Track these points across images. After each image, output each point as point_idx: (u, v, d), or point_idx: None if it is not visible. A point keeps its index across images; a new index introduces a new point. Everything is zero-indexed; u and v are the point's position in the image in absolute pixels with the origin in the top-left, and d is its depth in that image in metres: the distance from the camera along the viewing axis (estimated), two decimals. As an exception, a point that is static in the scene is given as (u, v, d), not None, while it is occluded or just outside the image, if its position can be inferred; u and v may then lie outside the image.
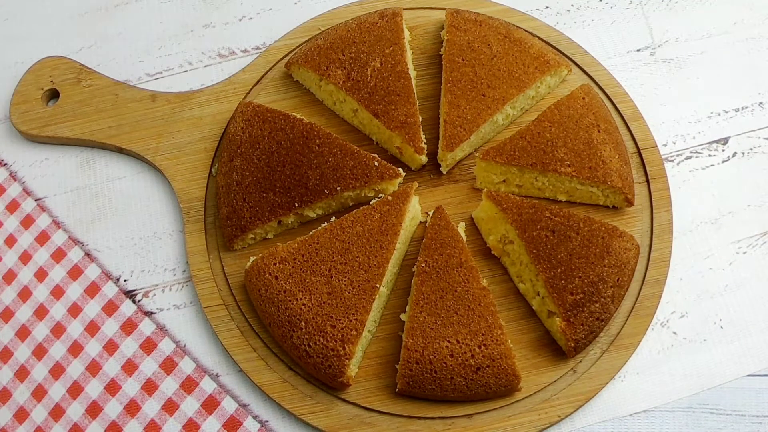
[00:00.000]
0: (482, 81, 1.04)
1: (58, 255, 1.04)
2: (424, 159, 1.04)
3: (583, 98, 1.04)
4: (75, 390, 0.98)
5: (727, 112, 1.12)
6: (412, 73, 1.09)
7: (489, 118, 1.03)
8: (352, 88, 1.04)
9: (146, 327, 1.01)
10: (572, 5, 1.18)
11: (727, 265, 1.03)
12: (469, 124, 1.02)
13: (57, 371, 0.99)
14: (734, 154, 1.09)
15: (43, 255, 1.04)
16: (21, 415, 0.98)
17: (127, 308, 1.02)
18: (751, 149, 1.09)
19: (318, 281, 0.95)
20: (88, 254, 1.05)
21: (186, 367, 0.99)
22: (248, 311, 1.00)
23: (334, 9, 1.15)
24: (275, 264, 0.96)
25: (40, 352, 1.00)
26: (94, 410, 0.98)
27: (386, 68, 1.04)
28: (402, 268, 1.02)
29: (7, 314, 1.02)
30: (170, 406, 0.97)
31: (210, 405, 0.97)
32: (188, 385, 0.98)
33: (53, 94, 1.13)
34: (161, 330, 1.01)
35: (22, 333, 1.01)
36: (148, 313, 1.02)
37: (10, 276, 1.04)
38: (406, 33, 1.09)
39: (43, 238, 1.05)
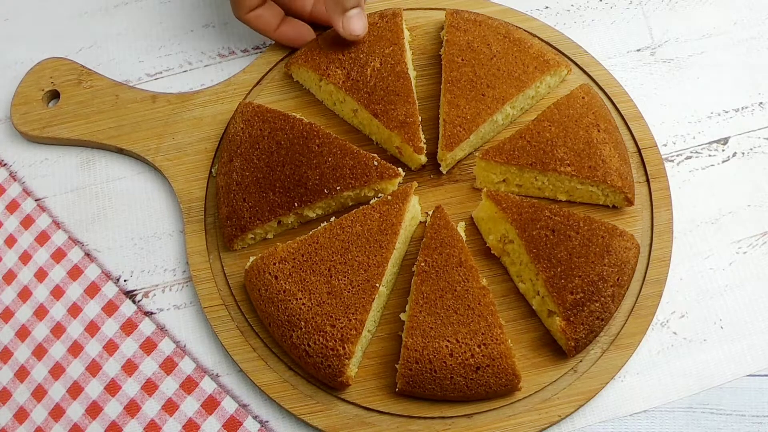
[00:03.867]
0: (482, 81, 1.04)
1: (58, 255, 1.04)
2: (423, 159, 1.04)
3: (583, 98, 1.04)
4: (75, 390, 0.99)
5: (727, 112, 1.12)
6: (412, 73, 1.09)
7: (489, 118, 1.03)
8: (351, 87, 1.04)
9: (146, 327, 1.01)
10: (572, 5, 1.18)
11: (727, 265, 1.03)
12: (469, 124, 1.02)
13: (57, 371, 0.99)
14: (734, 154, 1.09)
15: (43, 255, 1.04)
16: (21, 415, 0.98)
17: (127, 308, 1.02)
18: (751, 149, 1.09)
19: (318, 281, 0.95)
20: (88, 254, 1.05)
21: (186, 367, 0.99)
22: (248, 311, 1.00)
23: (334, 9, 1.15)
24: (275, 264, 0.96)
25: (40, 352, 1.00)
26: (94, 410, 0.98)
27: (386, 68, 1.04)
28: (402, 267, 1.02)
29: (7, 314, 1.02)
30: (170, 407, 0.97)
31: (210, 405, 0.97)
32: (188, 386, 0.98)
33: (54, 95, 1.13)
34: (161, 330, 1.01)
35: (22, 333, 1.01)
36: (148, 314, 1.02)
37: (10, 276, 1.04)
38: (406, 33, 1.10)
39: (43, 238, 1.05)
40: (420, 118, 1.04)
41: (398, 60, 1.05)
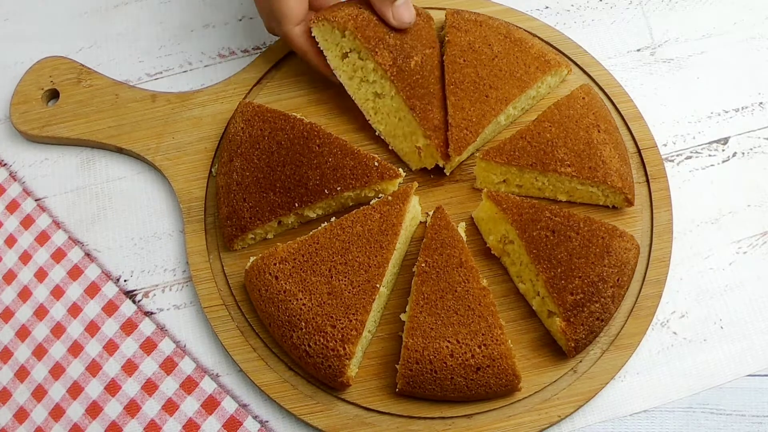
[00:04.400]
0: (484, 82, 1.04)
1: (58, 255, 1.04)
2: (441, 162, 1.03)
3: (583, 98, 1.04)
4: (75, 390, 0.98)
5: (727, 112, 1.12)
6: None
7: (493, 119, 1.03)
8: (397, 75, 1.02)
9: (146, 327, 1.01)
10: (572, 5, 1.18)
11: (727, 265, 1.03)
12: (475, 126, 1.01)
13: (57, 371, 0.99)
14: (734, 154, 1.09)
15: (43, 255, 1.04)
16: (21, 415, 0.98)
17: (127, 308, 1.02)
18: (751, 149, 1.09)
19: (318, 281, 0.95)
20: (88, 254, 1.05)
21: (186, 367, 0.99)
22: (248, 311, 1.00)
23: (334, 9, 1.15)
24: (275, 264, 0.96)
25: (40, 352, 1.00)
26: (94, 410, 0.98)
27: (426, 68, 1.03)
28: (402, 268, 1.02)
29: (7, 314, 1.02)
30: (170, 407, 0.97)
31: (210, 405, 0.97)
32: (188, 386, 0.98)
33: (53, 94, 1.13)
34: (161, 330, 1.01)
35: (22, 333, 1.01)
36: (148, 314, 1.02)
37: (10, 276, 1.04)
38: None
39: (43, 238, 1.05)
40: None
41: (436, 64, 1.04)
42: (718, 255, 1.04)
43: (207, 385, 0.98)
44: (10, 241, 1.05)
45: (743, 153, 1.09)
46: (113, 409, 0.98)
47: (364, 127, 1.09)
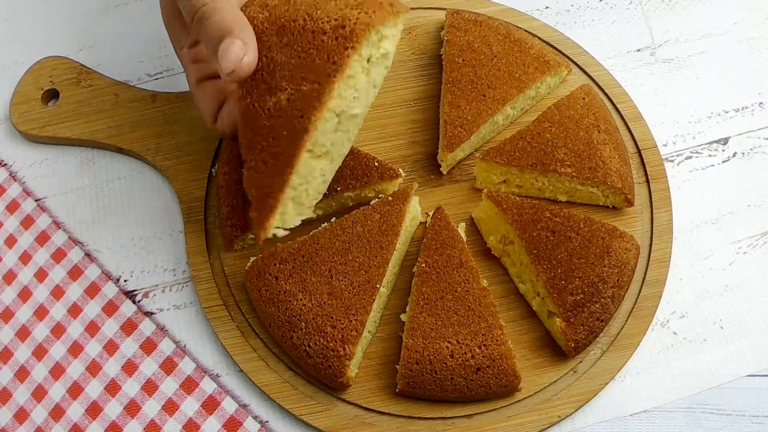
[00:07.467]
0: (482, 81, 1.04)
1: (58, 255, 1.04)
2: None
3: (583, 98, 1.04)
4: (75, 390, 0.98)
5: (727, 112, 1.12)
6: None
7: (489, 119, 1.03)
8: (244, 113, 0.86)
9: (146, 327, 1.01)
10: (572, 5, 1.18)
11: (727, 265, 1.03)
12: (470, 125, 1.02)
13: (57, 371, 0.99)
14: (734, 154, 1.09)
15: (43, 255, 1.04)
16: (21, 415, 0.98)
17: (127, 308, 1.02)
18: (751, 149, 1.09)
19: (318, 282, 0.95)
20: (88, 254, 1.05)
21: (186, 367, 0.99)
22: (248, 311, 1.00)
23: (334, 9, 1.15)
24: (275, 264, 0.96)
25: (40, 352, 1.00)
26: (94, 410, 0.98)
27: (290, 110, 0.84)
28: (402, 268, 1.02)
29: (7, 314, 1.02)
30: (170, 407, 0.97)
31: (210, 405, 0.97)
32: (188, 386, 0.98)
33: (53, 95, 1.13)
34: (161, 330, 1.01)
35: (22, 333, 1.01)
36: (148, 314, 1.02)
37: (10, 276, 1.04)
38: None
39: (43, 239, 1.05)
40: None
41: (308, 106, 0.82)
42: (718, 255, 1.04)
43: (207, 386, 0.98)
44: (10, 241, 1.05)
45: (743, 153, 1.09)
46: (113, 409, 0.98)
47: (365, 127, 1.08)
